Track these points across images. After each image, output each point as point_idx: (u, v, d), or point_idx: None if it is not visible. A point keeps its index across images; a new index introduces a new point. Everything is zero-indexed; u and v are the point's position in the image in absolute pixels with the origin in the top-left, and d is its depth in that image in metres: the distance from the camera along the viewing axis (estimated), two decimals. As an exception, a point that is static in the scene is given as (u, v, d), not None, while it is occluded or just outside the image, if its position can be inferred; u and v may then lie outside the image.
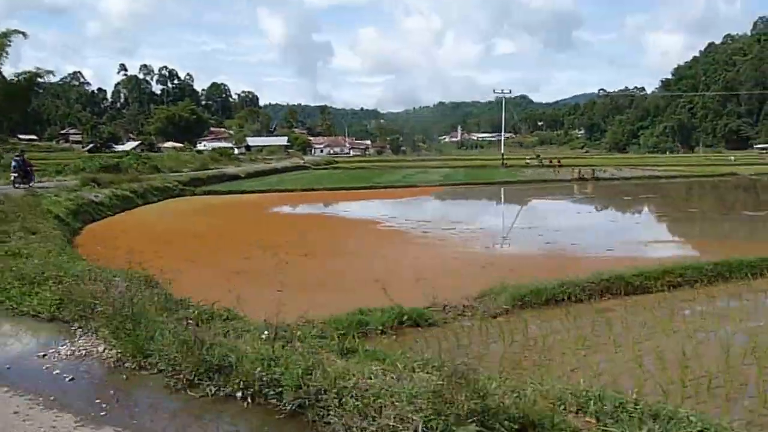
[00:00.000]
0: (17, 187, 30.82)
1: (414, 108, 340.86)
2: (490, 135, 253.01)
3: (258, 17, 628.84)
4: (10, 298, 9.65)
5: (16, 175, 31.33)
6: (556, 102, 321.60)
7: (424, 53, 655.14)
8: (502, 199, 49.03)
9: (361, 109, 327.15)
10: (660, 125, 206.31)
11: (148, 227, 29.15)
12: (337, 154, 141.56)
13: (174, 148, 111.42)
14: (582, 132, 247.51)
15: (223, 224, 30.33)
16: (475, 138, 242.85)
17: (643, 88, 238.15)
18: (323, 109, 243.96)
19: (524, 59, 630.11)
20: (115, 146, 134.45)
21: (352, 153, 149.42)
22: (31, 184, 32.13)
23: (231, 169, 65.05)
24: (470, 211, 40.15)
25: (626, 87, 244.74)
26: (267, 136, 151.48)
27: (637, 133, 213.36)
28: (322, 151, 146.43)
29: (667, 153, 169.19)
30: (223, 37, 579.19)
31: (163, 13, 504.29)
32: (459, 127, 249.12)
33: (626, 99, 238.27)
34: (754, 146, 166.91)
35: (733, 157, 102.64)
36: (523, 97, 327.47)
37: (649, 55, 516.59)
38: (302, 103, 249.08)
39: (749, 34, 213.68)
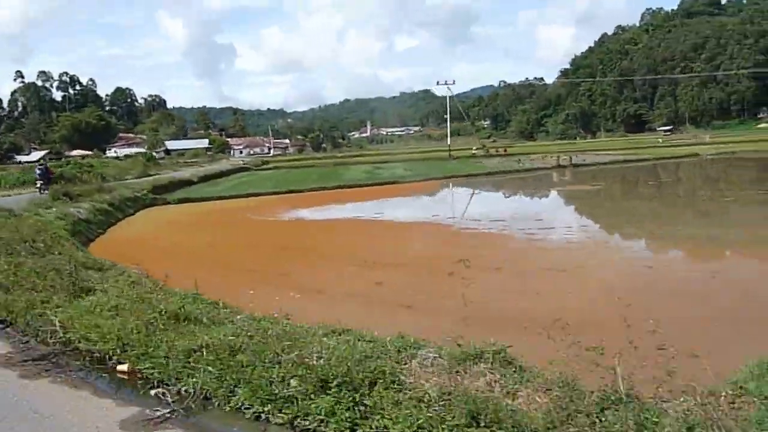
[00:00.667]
0: (42, 193, 32.65)
1: (320, 106, 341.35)
2: (399, 130, 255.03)
3: (158, 20, 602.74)
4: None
5: (42, 182, 32.85)
6: (458, 95, 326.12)
7: (327, 51, 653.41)
8: (523, 191, 46.08)
9: (268, 109, 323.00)
10: (562, 113, 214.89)
11: (162, 245, 24.83)
12: (257, 154, 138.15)
13: (82, 156, 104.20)
14: (488, 122, 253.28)
15: (252, 236, 27.18)
16: (385, 133, 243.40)
17: (542, 79, 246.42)
18: (234, 111, 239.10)
19: (425, 54, 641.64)
20: (17, 156, 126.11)
21: (272, 153, 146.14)
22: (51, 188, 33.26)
23: (182, 174, 61.34)
24: (519, 207, 36.72)
25: (526, 78, 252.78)
26: (183, 139, 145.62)
27: (542, 122, 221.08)
28: (241, 153, 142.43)
29: (578, 138, 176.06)
30: (123, 41, 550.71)
31: (56, 18, 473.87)
32: (368, 123, 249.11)
33: (527, 90, 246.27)
34: (657, 128, 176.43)
35: (660, 140, 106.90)
36: (426, 92, 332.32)
37: (542, 48, 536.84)
38: (207, 106, 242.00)
39: (638, 25, 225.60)
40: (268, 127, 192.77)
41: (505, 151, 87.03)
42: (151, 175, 56.59)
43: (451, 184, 51.83)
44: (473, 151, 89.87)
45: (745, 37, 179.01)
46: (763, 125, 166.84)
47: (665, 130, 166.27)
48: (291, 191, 46.08)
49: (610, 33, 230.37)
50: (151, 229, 30.68)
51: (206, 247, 23.57)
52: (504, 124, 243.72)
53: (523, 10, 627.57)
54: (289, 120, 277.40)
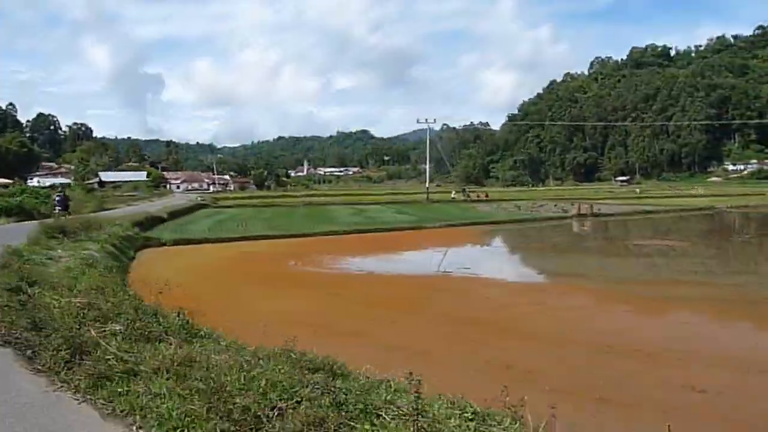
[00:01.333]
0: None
1: (252, 142, 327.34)
2: (337, 170, 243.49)
3: (81, 46, 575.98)
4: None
5: (60, 208, 33.18)
6: (396, 137, 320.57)
7: (261, 87, 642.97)
8: (600, 247, 35.23)
9: (197, 143, 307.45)
10: (510, 159, 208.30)
11: (222, 303, 16.16)
12: (196, 190, 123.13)
13: (4, 185, 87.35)
14: (432, 166, 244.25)
15: (346, 295, 18.63)
16: (322, 173, 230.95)
17: (487, 123, 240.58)
18: (168, 143, 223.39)
19: (363, 94, 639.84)
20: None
21: (212, 189, 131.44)
22: (68, 216, 31.95)
23: (148, 209, 47.95)
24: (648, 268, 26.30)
25: (471, 122, 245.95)
26: (116, 171, 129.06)
27: (489, 167, 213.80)
28: (178, 187, 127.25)
29: (530, 186, 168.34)
30: (42, 66, 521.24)
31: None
32: (306, 162, 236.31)
33: (471, 134, 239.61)
34: (614, 179, 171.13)
35: (638, 189, 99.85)
36: (364, 132, 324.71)
37: (482, 92, 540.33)
38: (132, 137, 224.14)
39: (587, 73, 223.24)
40: (213, 161, 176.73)
41: (486, 196, 79.16)
42: (107, 209, 46.84)
43: (484, 232, 41.11)
44: (453, 196, 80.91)
45: (697, 89, 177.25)
46: (713, 179, 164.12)
47: (621, 180, 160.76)
48: (303, 235, 35.57)
49: (558, 80, 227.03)
50: (181, 278, 18.64)
51: (301, 313, 15.48)
52: (447, 168, 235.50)
53: (463, 54, 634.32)
54: (219, 156, 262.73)
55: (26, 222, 30.78)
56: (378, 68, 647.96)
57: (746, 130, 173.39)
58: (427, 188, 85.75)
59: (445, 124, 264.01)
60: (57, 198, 36.98)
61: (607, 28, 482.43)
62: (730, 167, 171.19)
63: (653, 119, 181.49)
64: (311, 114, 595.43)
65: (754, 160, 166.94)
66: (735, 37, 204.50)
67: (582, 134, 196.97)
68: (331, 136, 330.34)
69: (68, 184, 79.01)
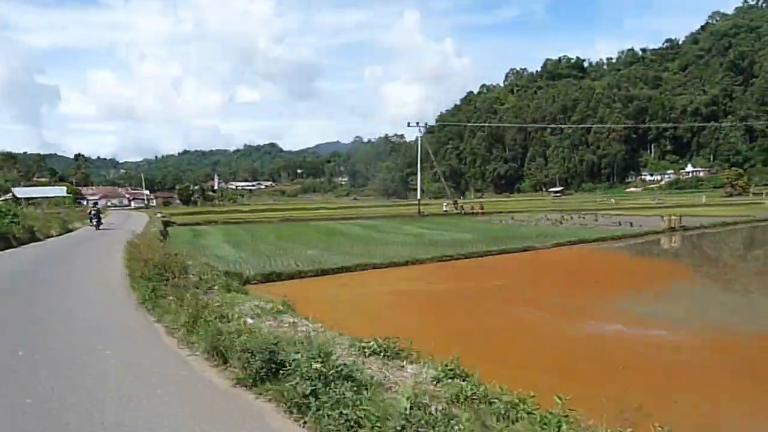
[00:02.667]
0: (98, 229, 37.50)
1: (156, 157, 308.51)
2: (249, 184, 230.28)
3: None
4: None
5: (96, 221, 37.90)
6: (304, 150, 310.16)
7: (163, 100, 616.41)
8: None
9: (98, 157, 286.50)
10: (430, 171, 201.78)
11: None
12: (115, 206, 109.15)
13: None
14: (346, 179, 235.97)
15: None
16: (234, 187, 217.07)
17: (402, 135, 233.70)
18: (77, 157, 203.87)
19: (269, 107, 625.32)
20: None
21: (133, 204, 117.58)
22: (101, 227, 37.66)
23: (140, 229, 37.55)
24: None
25: (386, 134, 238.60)
26: (30, 186, 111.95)
27: (408, 179, 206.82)
28: (96, 204, 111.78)
29: (477, 196, 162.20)
30: None
31: None
32: (216, 176, 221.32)
33: (386, 146, 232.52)
34: (548, 189, 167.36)
35: (613, 200, 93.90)
36: (273, 145, 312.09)
37: (388, 104, 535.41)
38: (28, 151, 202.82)
39: (502, 84, 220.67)
40: (140, 178, 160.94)
41: (482, 208, 69.01)
42: (71, 230, 37.86)
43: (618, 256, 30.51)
44: (444, 208, 71.35)
45: (614, 101, 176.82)
46: (632, 189, 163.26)
47: (555, 192, 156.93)
48: (407, 262, 24.32)
49: (475, 91, 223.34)
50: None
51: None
52: (363, 181, 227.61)
53: (369, 66, 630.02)
54: (122, 170, 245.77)
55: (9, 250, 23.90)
56: (283, 81, 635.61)
57: (662, 140, 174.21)
58: (419, 200, 74.80)
59: (357, 137, 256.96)
60: (93, 212, 40.69)
61: (509, 41, 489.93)
62: (648, 177, 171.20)
63: (572, 131, 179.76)
64: (216, 127, 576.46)
65: (671, 171, 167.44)
66: (644, 50, 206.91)
67: (502, 145, 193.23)
68: (238, 150, 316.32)
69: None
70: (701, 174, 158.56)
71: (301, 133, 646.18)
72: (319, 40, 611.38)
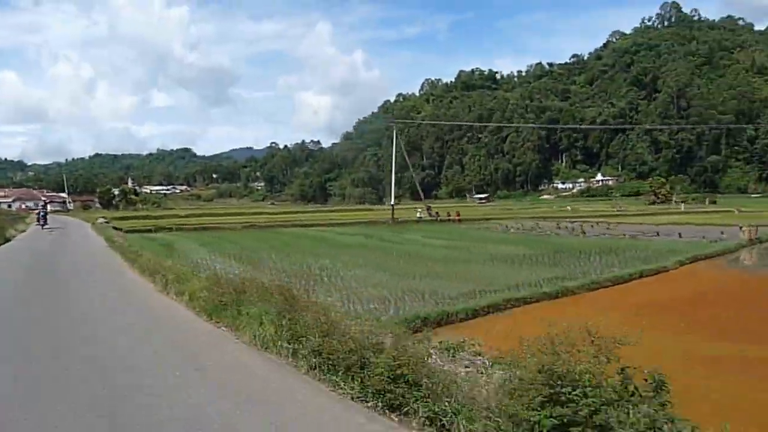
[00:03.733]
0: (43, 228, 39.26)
1: (66, 159, 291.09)
2: (164, 188, 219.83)
3: None
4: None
5: (43, 221, 38.91)
6: (218, 155, 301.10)
7: (74, 102, 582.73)
8: None
9: (5, 159, 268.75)
10: (349, 177, 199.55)
11: None
12: (30, 209, 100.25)
13: None
14: (262, 184, 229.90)
15: None
16: (149, 191, 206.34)
17: (318, 142, 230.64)
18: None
19: (183, 112, 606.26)
20: None
21: (50, 208, 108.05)
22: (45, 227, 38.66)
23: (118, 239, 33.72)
24: None
25: (303, 141, 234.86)
26: None
27: (326, 185, 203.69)
28: (10, 206, 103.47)
29: (388, 203, 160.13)
30: None
31: None
32: (130, 180, 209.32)
33: (303, 152, 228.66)
34: (472, 196, 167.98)
35: (569, 207, 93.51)
36: (186, 150, 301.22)
37: (301, 112, 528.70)
38: None
39: (418, 94, 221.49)
40: (50, 180, 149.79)
41: (458, 215, 62.93)
42: (9, 239, 32.89)
43: None
44: (418, 215, 65.47)
45: (527, 111, 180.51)
46: (545, 196, 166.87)
47: (480, 198, 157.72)
48: (557, 294, 16.79)
49: (392, 100, 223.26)
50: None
51: None
52: (280, 186, 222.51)
53: (283, 75, 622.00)
54: (30, 173, 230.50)
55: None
56: (198, 86, 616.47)
57: (573, 150, 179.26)
58: (392, 205, 64.56)
59: (273, 143, 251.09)
60: (41, 213, 40.35)
61: (417, 54, 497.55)
62: (560, 185, 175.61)
63: (488, 140, 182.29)
64: (129, 131, 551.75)
65: (581, 179, 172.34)
66: (551, 64, 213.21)
67: (420, 153, 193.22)
68: (151, 154, 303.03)
69: None
70: (610, 183, 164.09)
71: (215, 138, 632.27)
72: (235, 48, 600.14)
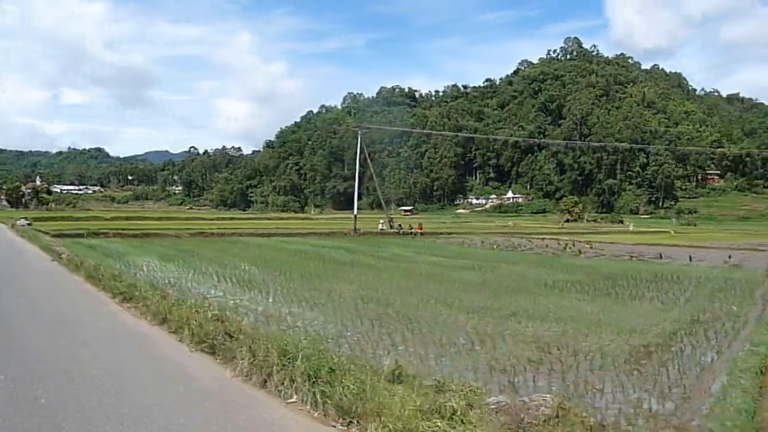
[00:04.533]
0: None
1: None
2: (76, 188, 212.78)
3: None
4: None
5: None
6: (133, 157, 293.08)
7: None
8: None
9: None
10: (270, 185, 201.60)
11: None
12: None
13: None
14: (180, 188, 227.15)
15: None
16: (59, 191, 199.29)
17: (239, 148, 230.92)
18: None
19: (96, 111, 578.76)
20: None
21: None
22: None
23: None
24: None
25: (224, 146, 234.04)
26: None
27: (247, 191, 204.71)
28: None
29: (316, 211, 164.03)
30: None
31: None
32: (38, 178, 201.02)
33: (223, 158, 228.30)
34: (397, 208, 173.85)
35: (511, 223, 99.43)
36: (99, 150, 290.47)
37: (219, 118, 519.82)
38: None
39: (340, 107, 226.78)
40: None
41: (420, 228, 58.87)
42: None
43: None
44: (380, 227, 62.42)
45: (445, 129, 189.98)
46: (460, 211, 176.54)
47: (405, 210, 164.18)
48: None
49: (315, 111, 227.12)
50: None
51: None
52: (198, 191, 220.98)
53: (201, 81, 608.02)
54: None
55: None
56: (113, 86, 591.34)
57: (486, 168, 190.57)
58: (355, 215, 58.56)
59: (192, 147, 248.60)
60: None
61: (334, 69, 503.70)
62: (474, 201, 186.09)
63: (408, 154, 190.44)
64: (36, 127, 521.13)
65: (494, 195, 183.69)
66: (465, 87, 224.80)
67: (342, 164, 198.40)
68: (61, 152, 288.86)
69: None
70: (520, 200, 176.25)
71: (130, 139, 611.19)
72: (154, 50, 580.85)
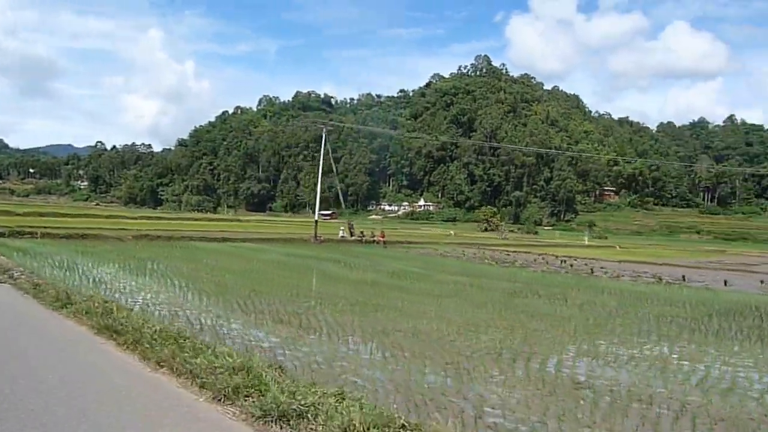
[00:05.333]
0: None
1: None
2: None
3: None
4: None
5: None
6: (35, 149, 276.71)
7: None
8: None
9: None
10: (182, 184, 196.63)
11: None
12: None
13: None
14: (85, 184, 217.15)
15: None
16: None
17: (150, 146, 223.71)
18: None
19: None
20: None
21: None
22: None
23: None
24: None
25: (133, 143, 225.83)
26: None
27: (157, 189, 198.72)
28: None
29: (230, 212, 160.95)
30: None
31: None
32: None
33: (132, 155, 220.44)
34: (320, 213, 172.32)
35: (452, 232, 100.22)
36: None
37: (126, 114, 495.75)
38: None
39: (255, 109, 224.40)
40: None
41: (383, 236, 54.07)
42: None
43: None
44: (341, 234, 56.54)
45: (360, 136, 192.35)
46: (373, 216, 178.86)
47: (324, 215, 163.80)
48: None
49: (230, 111, 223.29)
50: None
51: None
52: (105, 188, 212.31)
53: (108, 75, 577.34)
54: None
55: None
56: (14, 75, 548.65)
57: (399, 176, 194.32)
58: (316, 221, 51.49)
59: (99, 142, 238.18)
60: None
61: (245, 72, 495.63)
62: (387, 207, 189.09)
63: (325, 159, 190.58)
64: None
65: (406, 203, 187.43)
66: (379, 96, 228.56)
67: (256, 165, 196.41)
68: None
69: None
70: (431, 208, 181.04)
71: (31, 131, 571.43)
72: (58, 41, 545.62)
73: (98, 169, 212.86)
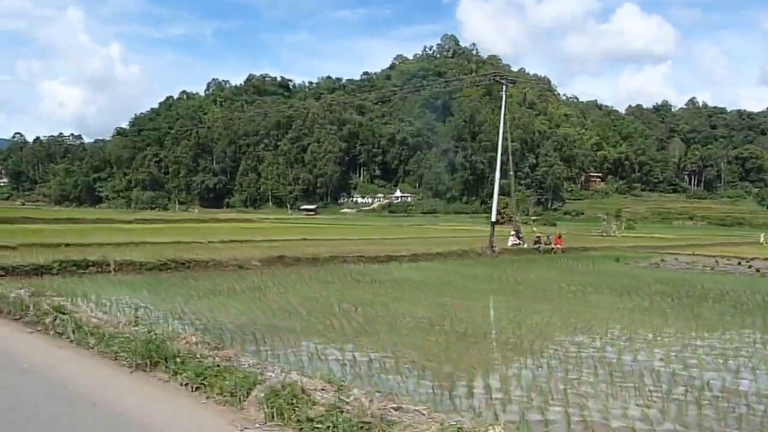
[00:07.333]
0: None
1: None
2: None
3: None
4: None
5: None
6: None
7: None
8: None
9: None
10: (124, 179, 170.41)
11: None
12: None
13: None
14: (5, 180, 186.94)
15: None
16: None
17: (80, 136, 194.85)
18: None
19: None
20: None
21: None
22: None
23: None
24: None
25: (60, 134, 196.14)
26: None
27: (94, 185, 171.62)
28: None
29: (177, 208, 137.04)
30: None
31: None
32: None
33: (60, 147, 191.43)
34: (300, 207, 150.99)
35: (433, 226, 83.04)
36: None
37: (46, 103, 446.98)
38: None
39: (203, 94, 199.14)
40: None
41: (559, 241, 39.62)
42: None
43: None
44: (511, 242, 40.27)
45: (329, 123, 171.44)
46: (345, 210, 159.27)
47: (307, 210, 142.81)
48: None
49: (175, 96, 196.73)
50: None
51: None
52: (29, 184, 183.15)
53: (23, 59, 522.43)
54: None
55: None
56: None
57: (372, 165, 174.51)
58: (492, 223, 36.55)
59: (18, 134, 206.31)
60: None
61: (183, 56, 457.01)
62: (360, 200, 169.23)
63: (288, 148, 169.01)
64: None
65: (380, 194, 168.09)
66: (339, 79, 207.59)
67: (210, 156, 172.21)
68: None
69: None
70: (409, 199, 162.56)
71: None
72: None
73: (19, 164, 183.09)
